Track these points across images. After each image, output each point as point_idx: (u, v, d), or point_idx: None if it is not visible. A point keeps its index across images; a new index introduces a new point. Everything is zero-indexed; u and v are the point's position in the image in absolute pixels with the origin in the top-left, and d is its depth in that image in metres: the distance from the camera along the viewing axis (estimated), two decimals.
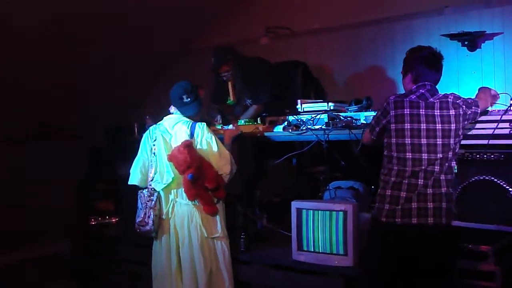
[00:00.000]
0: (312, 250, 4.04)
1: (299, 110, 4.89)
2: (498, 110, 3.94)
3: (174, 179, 4.21)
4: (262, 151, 5.07)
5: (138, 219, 4.27)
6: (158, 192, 4.27)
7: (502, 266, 3.31)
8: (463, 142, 3.85)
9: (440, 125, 3.39)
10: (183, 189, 4.17)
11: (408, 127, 3.40)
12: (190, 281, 4.18)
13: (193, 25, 6.98)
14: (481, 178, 3.84)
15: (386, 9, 5.82)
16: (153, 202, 4.22)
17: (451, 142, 3.38)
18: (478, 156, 3.87)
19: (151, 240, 4.39)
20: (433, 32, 5.49)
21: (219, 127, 5.02)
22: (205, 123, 4.32)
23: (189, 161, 4.01)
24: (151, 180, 4.30)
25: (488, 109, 3.86)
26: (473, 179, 3.86)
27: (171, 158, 4.10)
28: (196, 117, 4.38)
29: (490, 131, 3.82)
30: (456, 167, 3.53)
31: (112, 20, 5.99)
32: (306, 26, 6.45)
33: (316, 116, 4.62)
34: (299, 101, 4.95)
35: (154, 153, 4.30)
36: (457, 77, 5.39)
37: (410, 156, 3.36)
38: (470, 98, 3.62)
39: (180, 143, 4.11)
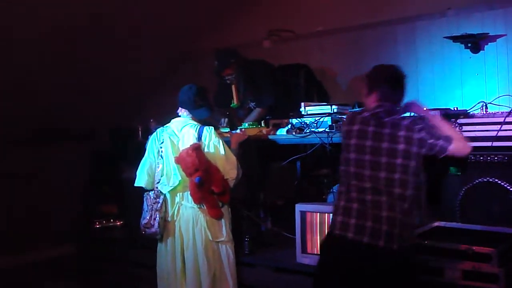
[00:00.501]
0: (316, 252, 4.04)
1: (303, 113, 4.89)
2: (502, 112, 3.95)
3: (180, 182, 4.22)
4: (266, 154, 5.08)
5: (143, 221, 4.28)
6: (164, 195, 4.27)
7: (506, 268, 3.31)
8: None
9: (387, 143, 3.23)
10: (189, 192, 4.17)
11: (355, 142, 3.31)
12: (194, 283, 4.18)
13: (196, 28, 6.99)
14: (485, 180, 3.85)
15: (388, 12, 5.83)
16: (159, 205, 4.23)
17: (397, 162, 3.19)
18: (482, 158, 3.88)
19: (156, 243, 4.40)
20: (436, 35, 5.50)
21: (225, 130, 5.02)
22: (213, 127, 4.33)
23: (197, 164, 4.02)
24: (158, 183, 4.31)
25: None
26: (477, 181, 3.87)
27: (179, 160, 4.11)
28: (202, 121, 4.39)
29: (493, 133, 3.82)
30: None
31: (115, 22, 6.00)
32: (309, 29, 6.46)
33: (319, 118, 4.63)
34: (302, 104, 4.96)
35: (161, 156, 4.31)
36: (460, 79, 5.39)
37: (356, 171, 3.27)
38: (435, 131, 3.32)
39: (187, 146, 4.12)
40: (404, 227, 3.16)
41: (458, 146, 3.27)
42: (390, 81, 3.44)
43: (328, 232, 3.38)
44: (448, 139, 3.25)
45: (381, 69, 3.53)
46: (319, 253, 3.45)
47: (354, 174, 3.27)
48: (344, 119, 3.45)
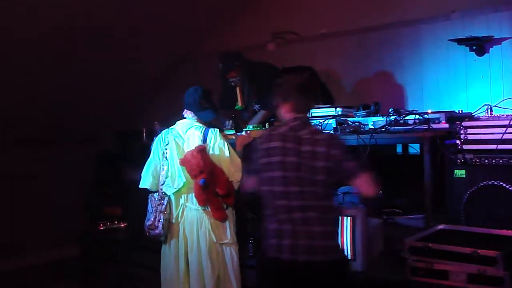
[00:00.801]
0: None
1: (307, 115, 4.88)
2: (507, 115, 3.94)
3: (185, 184, 4.22)
4: None
5: (148, 223, 4.28)
6: (169, 196, 4.28)
7: (511, 271, 3.30)
8: (472, 147, 3.87)
9: (309, 161, 3.24)
10: (193, 194, 4.18)
11: (277, 160, 3.29)
12: (198, 285, 4.18)
13: (200, 30, 7.00)
14: (490, 183, 3.84)
15: (393, 14, 5.83)
16: (164, 206, 4.24)
17: (319, 178, 3.24)
18: (486, 161, 3.87)
19: (160, 245, 4.40)
20: (440, 37, 5.50)
21: (230, 132, 5.01)
22: (218, 129, 4.33)
23: (202, 166, 4.02)
24: (162, 184, 4.31)
25: None
26: (482, 184, 3.86)
27: (184, 162, 4.12)
28: (207, 123, 4.40)
29: (498, 136, 3.81)
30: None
31: (117, 23, 6.01)
32: (313, 31, 6.46)
33: (324, 121, 4.62)
34: None
35: (166, 157, 4.31)
36: (465, 82, 5.39)
37: (282, 190, 3.27)
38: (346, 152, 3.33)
39: (192, 148, 4.12)
40: (336, 237, 3.31)
41: (367, 180, 3.30)
42: (302, 90, 3.42)
43: (261, 256, 3.41)
44: (360, 170, 3.29)
45: (293, 78, 3.55)
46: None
47: (281, 193, 3.27)
48: (261, 137, 3.43)
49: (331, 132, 4.47)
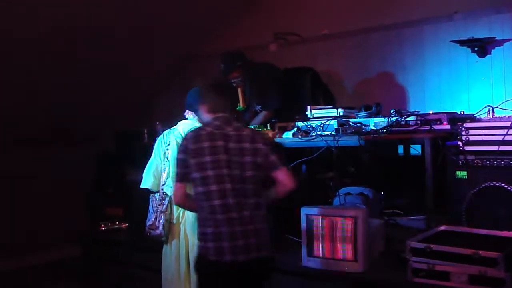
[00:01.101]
0: (322, 256, 4.03)
1: (309, 116, 4.89)
2: (509, 116, 3.94)
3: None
4: None
5: (148, 223, 4.29)
6: (170, 197, 4.28)
7: None
8: (474, 148, 3.87)
9: (238, 157, 3.33)
10: None
11: (209, 159, 3.33)
12: None
13: (202, 31, 7.00)
14: (492, 184, 3.83)
15: (395, 15, 5.83)
16: (164, 206, 4.24)
17: (248, 174, 3.33)
18: (488, 162, 3.87)
19: (161, 245, 4.40)
20: (442, 38, 5.50)
21: None
22: None
23: None
24: (163, 185, 4.32)
25: None
26: (483, 185, 3.86)
27: None
28: None
29: (500, 137, 3.81)
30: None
31: (118, 24, 6.02)
32: (315, 32, 6.46)
33: (325, 122, 4.62)
34: (308, 107, 4.96)
35: (167, 158, 4.32)
36: (467, 83, 5.39)
37: (216, 189, 3.30)
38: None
39: None
40: (267, 233, 3.39)
41: (287, 173, 3.44)
42: (218, 91, 3.56)
43: (200, 258, 3.41)
44: (280, 163, 3.42)
45: (209, 81, 3.69)
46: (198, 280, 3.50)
47: (216, 192, 3.30)
48: (184, 141, 3.46)
49: (333, 132, 4.47)
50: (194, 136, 3.44)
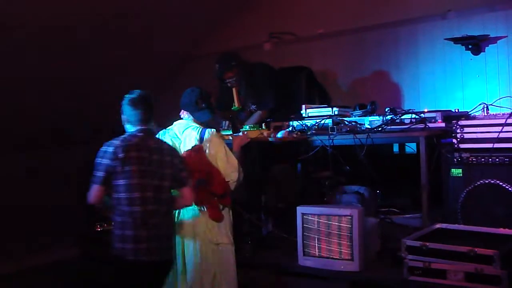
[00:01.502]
0: (318, 255, 4.03)
1: (304, 115, 4.89)
2: (503, 114, 3.95)
3: None
4: (267, 157, 5.07)
5: None
6: None
7: (508, 269, 3.31)
8: (468, 146, 3.88)
9: (159, 169, 3.69)
10: None
11: (135, 169, 3.61)
12: (195, 286, 4.18)
13: (197, 31, 6.99)
14: (487, 181, 3.85)
15: (390, 14, 5.84)
16: None
17: (165, 184, 3.71)
18: (483, 160, 3.87)
19: None
20: (436, 36, 5.50)
21: (226, 133, 5.01)
22: (214, 130, 4.33)
23: (199, 166, 4.03)
24: None
25: None
26: (479, 183, 3.87)
27: None
28: (204, 123, 4.40)
29: (495, 135, 3.82)
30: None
31: (116, 25, 6.00)
32: (310, 31, 6.46)
33: (320, 121, 4.63)
34: (303, 106, 4.96)
35: None
36: (462, 80, 5.39)
37: (138, 196, 3.60)
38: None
39: (189, 148, 4.13)
40: (173, 239, 3.91)
41: (190, 192, 3.83)
42: (144, 103, 3.88)
43: (118, 259, 3.67)
44: (187, 181, 3.80)
45: (139, 93, 3.99)
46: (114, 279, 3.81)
47: (138, 199, 3.60)
48: (113, 149, 3.66)
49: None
50: (123, 145, 3.67)
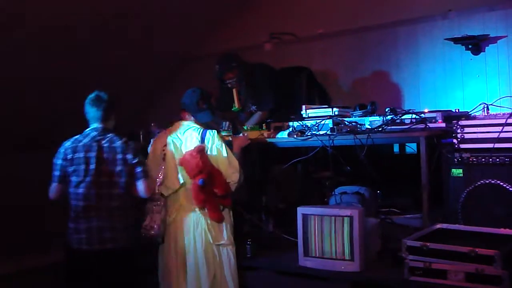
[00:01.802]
0: (319, 255, 4.03)
1: (304, 115, 4.89)
2: (503, 114, 3.94)
3: (182, 185, 4.22)
4: (267, 157, 5.07)
5: (144, 224, 4.27)
6: (166, 197, 4.27)
7: (509, 270, 3.30)
8: (469, 146, 3.87)
9: (108, 166, 4.04)
10: (190, 195, 4.17)
11: (83, 168, 4.02)
12: (194, 287, 4.18)
13: (197, 32, 6.99)
14: (487, 181, 3.84)
15: (390, 14, 5.84)
16: (160, 207, 4.23)
17: (116, 180, 4.05)
18: (483, 160, 3.87)
19: (157, 246, 4.39)
20: (437, 36, 5.51)
21: (225, 133, 5.01)
22: (215, 131, 4.33)
23: (201, 166, 4.03)
24: (159, 185, 4.31)
25: None
26: (479, 183, 3.86)
27: (182, 162, 4.12)
28: (205, 124, 4.40)
29: (495, 135, 3.82)
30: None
31: (115, 25, 6.00)
32: (310, 31, 6.46)
33: (320, 121, 4.62)
34: (303, 106, 4.96)
35: (163, 158, 4.31)
36: (462, 80, 5.40)
37: (84, 193, 4.03)
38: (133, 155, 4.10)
39: (191, 149, 4.13)
40: (122, 230, 4.08)
41: (144, 185, 4.09)
42: (98, 103, 4.19)
43: (66, 248, 4.18)
44: (143, 174, 4.08)
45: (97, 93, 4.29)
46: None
47: (83, 195, 4.04)
48: (67, 148, 4.11)
49: (328, 131, 4.47)
50: (72, 146, 4.09)
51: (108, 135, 4.13)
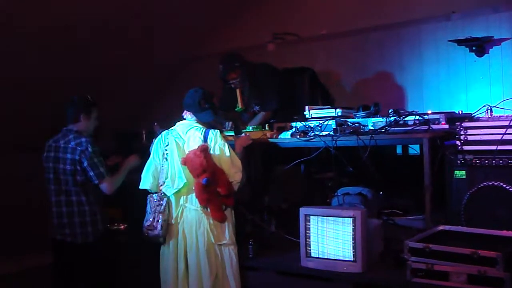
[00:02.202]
0: (321, 256, 4.02)
1: (307, 116, 4.89)
2: (507, 116, 3.94)
3: (185, 184, 4.22)
4: (270, 158, 5.07)
5: (146, 223, 4.28)
6: (168, 197, 4.28)
7: (511, 272, 3.30)
8: (472, 147, 3.87)
9: (63, 166, 4.57)
10: (193, 195, 4.18)
11: (46, 166, 4.67)
12: (196, 286, 4.18)
13: (200, 31, 6.99)
14: (490, 183, 3.83)
15: (393, 15, 5.83)
16: (163, 207, 4.23)
17: (69, 179, 4.57)
18: (487, 161, 3.86)
19: (159, 246, 4.39)
20: (440, 38, 5.51)
21: (228, 134, 5.01)
22: (218, 130, 4.33)
23: (205, 165, 4.03)
24: (162, 185, 4.31)
25: None
26: (482, 185, 3.85)
27: (186, 161, 4.12)
28: (207, 124, 4.40)
29: (498, 137, 3.81)
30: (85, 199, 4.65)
31: (118, 25, 6.00)
32: (313, 32, 6.46)
33: (323, 122, 4.62)
34: (306, 107, 4.95)
35: (166, 158, 4.31)
36: (465, 82, 5.39)
37: (52, 188, 4.64)
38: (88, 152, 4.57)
39: (193, 148, 4.13)
40: (86, 225, 4.60)
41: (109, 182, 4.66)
42: (68, 105, 4.75)
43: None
44: (100, 175, 4.58)
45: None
46: None
47: (53, 191, 4.63)
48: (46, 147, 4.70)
49: (331, 132, 4.47)
50: (46, 146, 4.67)
51: (70, 136, 4.61)
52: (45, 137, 4.85)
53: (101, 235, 4.71)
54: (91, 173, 4.54)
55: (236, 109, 5.52)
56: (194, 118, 4.40)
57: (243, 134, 4.82)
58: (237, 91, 5.48)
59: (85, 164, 4.52)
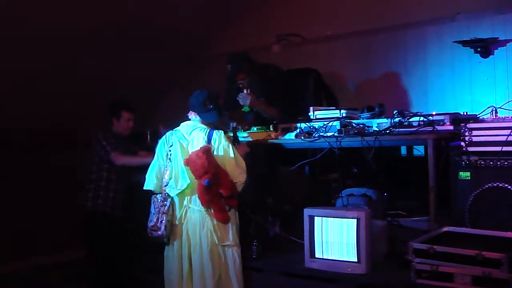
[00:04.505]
0: (325, 257, 4.02)
1: (311, 117, 4.89)
2: None
3: (189, 185, 4.22)
4: (274, 159, 5.07)
5: (150, 224, 4.28)
6: (172, 198, 4.28)
7: None
8: (477, 149, 3.87)
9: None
10: (196, 196, 4.17)
11: None
12: (200, 287, 4.18)
13: (205, 32, 7.00)
14: (495, 185, 3.82)
15: (398, 16, 5.83)
16: (166, 207, 4.23)
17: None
18: (491, 163, 3.85)
19: (163, 246, 4.40)
20: (445, 39, 5.50)
21: (230, 135, 5.00)
22: (222, 131, 4.33)
23: (207, 167, 4.03)
24: (166, 186, 4.32)
25: None
26: (487, 186, 3.84)
27: (188, 162, 4.12)
28: (211, 124, 4.40)
29: (503, 138, 3.80)
30: None
31: (123, 25, 6.01)
32: (318, 33, 6.46)
33: (328, 123, 4.62)
34: (311, 108, 4.95)
35: (170, 159, 4.32)
36: (470, 84, 5.38)
37: None
38: None
39: (197, 149, 4.13)
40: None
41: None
42: None
43: None
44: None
45: None
46: None
47: None
48: None
49: (335, 133, 4.47)
50: None
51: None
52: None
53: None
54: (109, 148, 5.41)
55: (243, 110, 5.50)
56: (199, 118, 4.41)
57: (241, 143, 4.80)
58: (245, 91, 5.46)
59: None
